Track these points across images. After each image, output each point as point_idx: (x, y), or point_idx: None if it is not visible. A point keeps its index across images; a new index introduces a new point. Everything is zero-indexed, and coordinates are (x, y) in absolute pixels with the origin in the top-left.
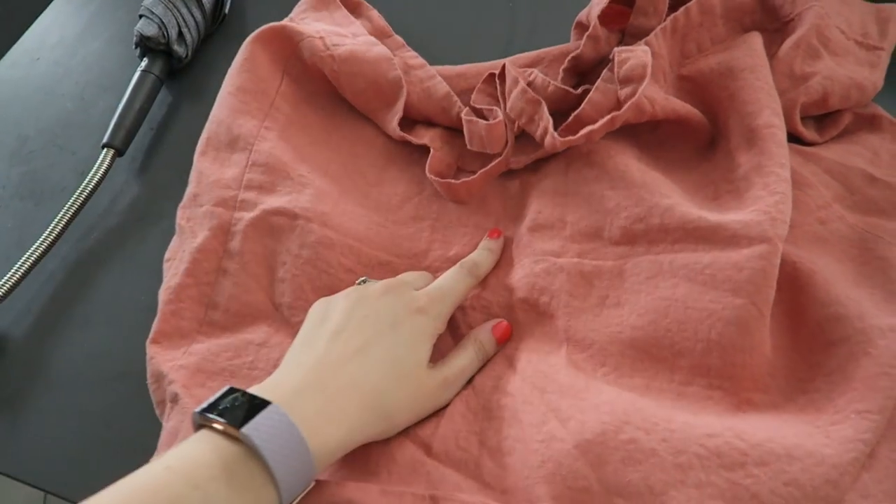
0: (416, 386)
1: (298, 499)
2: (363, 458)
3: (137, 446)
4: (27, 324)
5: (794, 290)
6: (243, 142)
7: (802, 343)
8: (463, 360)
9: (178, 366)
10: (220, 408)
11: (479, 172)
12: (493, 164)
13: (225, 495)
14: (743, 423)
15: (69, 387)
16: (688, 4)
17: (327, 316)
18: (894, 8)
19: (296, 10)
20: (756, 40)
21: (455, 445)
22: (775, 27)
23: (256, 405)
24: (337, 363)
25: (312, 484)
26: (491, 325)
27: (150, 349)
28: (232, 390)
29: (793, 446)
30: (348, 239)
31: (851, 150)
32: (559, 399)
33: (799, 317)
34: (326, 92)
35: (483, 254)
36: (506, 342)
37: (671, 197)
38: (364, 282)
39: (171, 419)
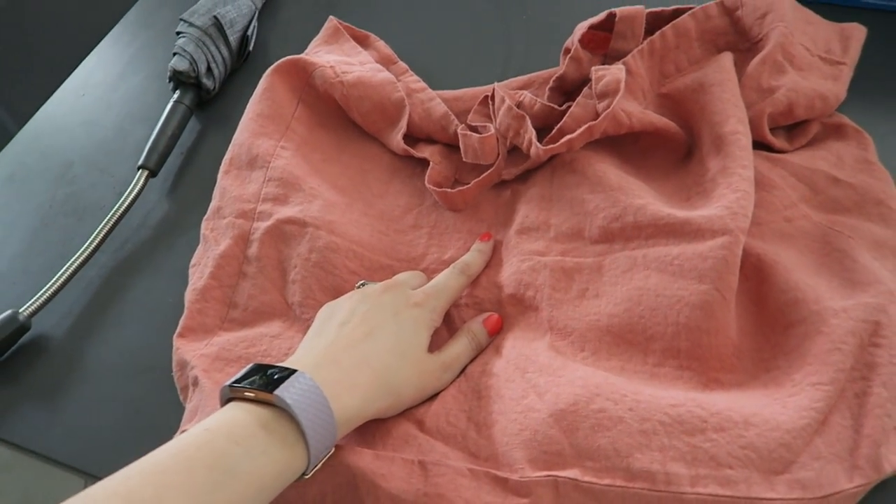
0: (418, 366)
1: (322, 462)
2: (361, 431)
3: (164, 431)
4: (68, 324)
5: (758, 279)
6: (261, 160)
7: (766, 326)
8: (458, 347)
9: (200, 354)
10: (249, 380)
11: (473, 182)
12: (485, 174)
13: (264, 449)
14: (705, 397)
15: (103, 379)
16: (663, 29)
17: (333, 313)
18: (855, 27)
19: (310, 45)
20: (726, 59)
21: (445, 422)
22: (746, 47)
23: (284, 375)
24: (347, 345)
25: (333, 449)
26: (482, 317)
27: (177, 342)
28: (257, 367)
29: (750, 414)
30: (353, 245)
31: (817, 154)
32: (538, 377)
33: (762, 303)
34: (337, 116)
35: (474, 255)
36: (497, 333)
37: (644, 198)
38: (363, 284)
39: (192, 400)
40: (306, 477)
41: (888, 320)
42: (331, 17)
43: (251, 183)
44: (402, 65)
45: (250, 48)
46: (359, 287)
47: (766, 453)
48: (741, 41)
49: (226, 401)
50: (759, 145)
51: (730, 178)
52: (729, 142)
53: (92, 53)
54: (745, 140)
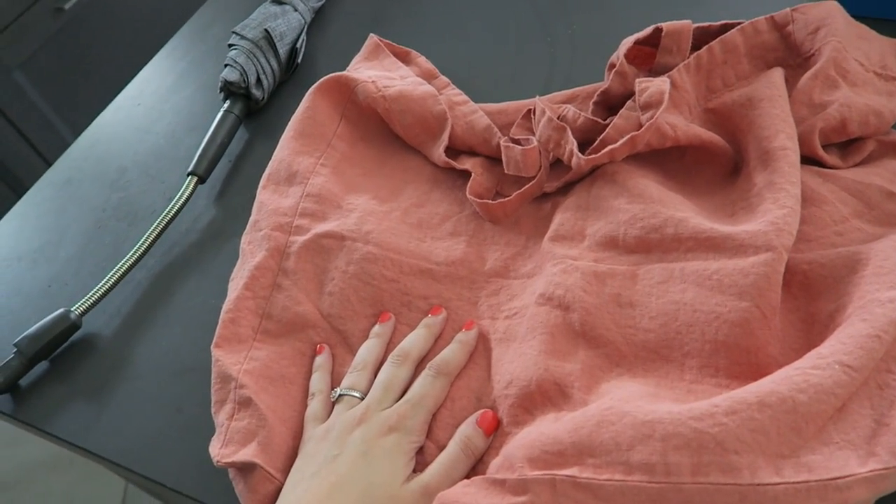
0: (394, 501)
1: None
2: None
3: (204, 429)
4: (116, 324)
5: (808, 296)
6: (300, 177)
7: (816, 340)
8: (446, 461)
9: (244, 370)
10: None
11: (514, 194)
12: (527, 186)
13: None
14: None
15: (148, 378)
16: (711, 43)
17: (309, 453)
18: None
19: (352, 62)
20: (777, 74)
21: (447, 436)
22: (797, 62)
23: None
24: (320, 490)
25: None
26: (475, 418)
27: (216, 353)
28: None
29: (767, 393)
30: (390, 253)
31: (871, 171)
32: (571, 407)
33: (812, 320)
34: (380, 130)
35: (453, 349)
36: (494, 431)
37: (685, 212)
38: (339, 397)
39: (244, 419)
40: None
41: None
42: (371, 34)
43: (288, 197)
44: (444, 79)
45: (298, 61)
46: (334, 400)
47: (776, 437)
48: (792, 57)
49: None
50: (811, 161)
51: (776, 194)
52: (777, 157)
53: (147, 65)
54: (794, 156)
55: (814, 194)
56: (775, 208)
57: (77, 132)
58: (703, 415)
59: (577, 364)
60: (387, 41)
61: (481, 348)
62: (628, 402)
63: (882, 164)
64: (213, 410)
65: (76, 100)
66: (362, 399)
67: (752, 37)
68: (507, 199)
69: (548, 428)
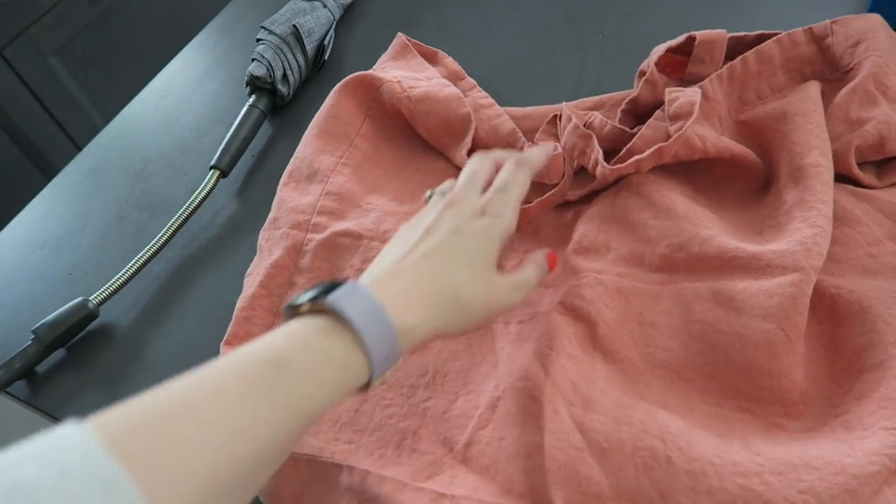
0: (486, 280)
1: (390, 373)
2: (394, 450)
3: None
4: (133, 315)
5: (832, 322)
6: (321, 175)
7: (839, 372)
8: (528, 272)
9: None
10: (305, 296)
11: (535, 201)
12: (549, 193)
13: (319, 348)
14: (763, 445)
15: (163, 369)
16: (745, 54)
17: (398, 237)
18: None
19: (378, 61)
20: (813, 88)
21: (478, 451)
22: (835, 77)
23: (338, 285)
24: (408, 264)
25: (399, 362)
26: (544, 251)
27: (224, 349)
28: (316, 285)
29: (813, 457)
30: None
31: None
32: (584, 413)
33: (837, 347)
34: (403, 130)
35: (532, 151)
36: (553, 267)
37: (711, 229)
38: (430, 196)
39: None
40: (372, 387)
41: None
42: (399, 33)
43: (308, 195)
44: (470, 81)
45: (325, 57)
46: (426, 199)
47: (828, 499)
48: (829, 70)
49: (287, 319)
50: (845, 179)
51: (807, 213)
52: (809, 174)
53: (176, 58)
54: (827, 174)
55: (847, 214)
56: (805, 227)
57: (108, 119)
58: (747, 472)
59: (594, 371)
60: (415, 41)
61: (490, 347)
62: (665, 440)
63: None
64: None
65: (109, 87)
66: None
67: (788, 49)
68: (528, 205)
69: (576, 459)
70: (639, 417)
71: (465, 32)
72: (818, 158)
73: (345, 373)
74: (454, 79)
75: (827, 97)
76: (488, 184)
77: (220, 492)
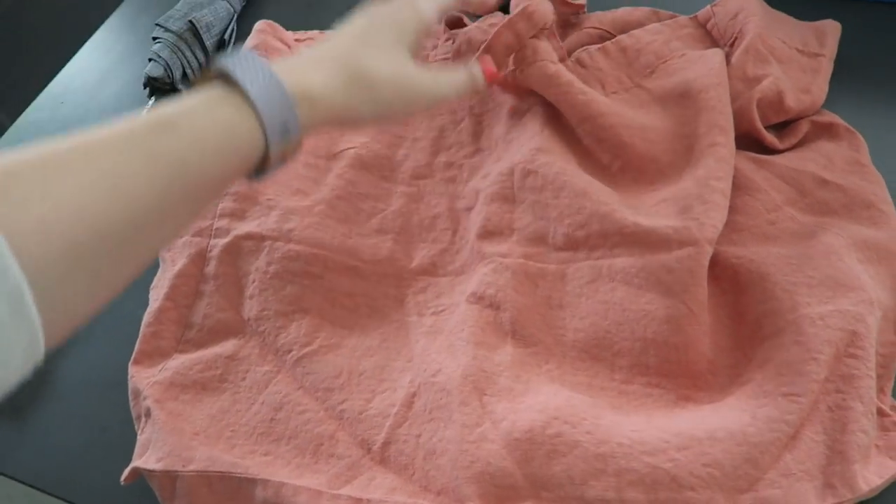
0: (397, 63)
1: (291, 151)
2: (312, 457)
3: (129, 448)
4: None
5: (735, 291)
6: None
7: (744, 340)
8: (457, 73)
9: (153, 382)
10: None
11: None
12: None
13: (205, 107)
14: (669, 421)
15: (71, 397)
16: (635, 31)
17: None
18: (829, 23)
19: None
20: (717, 57)
21: (396, 450)
22: (725, 52)
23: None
24: (311, 44)
25: (297, 134)
26: (479, 60)
27: (132, 369)
28: None
29: (716, 429)
30: (313, 249)
31: (806, 156)
32: (496, 402)
33: (740, 316)
34: None
35: None
36: (492, 83)
37: (609, 203)
38: None
39: (145, 432)
40: (272, 166)
41: (866, 330)
42: (261, 21)
43: None
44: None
45: (228, 52)
46: None
47: (731, 470)
48: (719, 43)
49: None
50: (748, 145)
51: (701, 189)
52: (706, 153)
53: (72, 60)
54: (724, 150)
55: (748, 182)
56: (698, 204)
57: (3, 129)
58: (654, 449)
59: (507, 357)
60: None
61: (405, 341)
62: (574, 423)
63: (816, 147)
64: (136, 429)
65: (2, 95)
66: None
67: (676, 29)
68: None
69: (489, 452)
70: (550, 403)
71: None
72: (717, 137)
73: (232, 138)
74: None
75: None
76: None
77: (93, 249)
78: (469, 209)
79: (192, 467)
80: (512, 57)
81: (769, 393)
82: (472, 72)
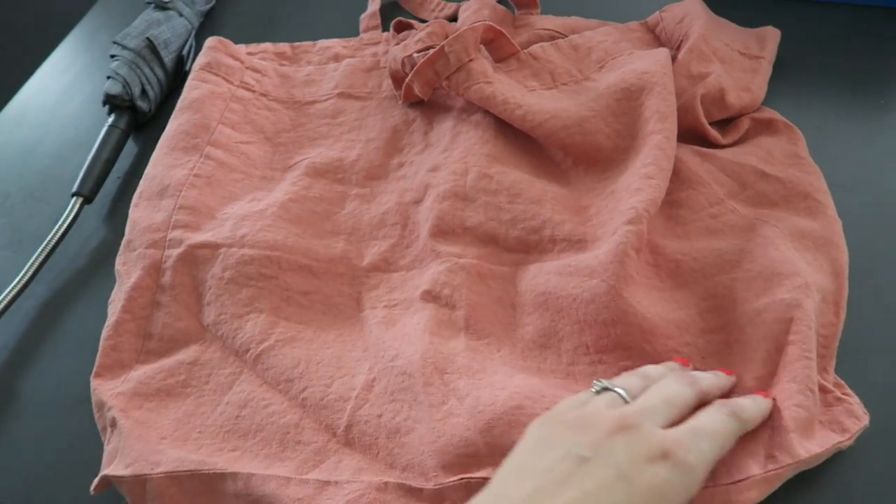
0: None
1: None
2: (277, 447)
3: (97, 465)
4: (2, 358)
5: (673, 284)
6: (172, 189)
7: (684, 329)
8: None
9: (117, 393)
10: None
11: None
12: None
13: None
14: None
15: (38, 413)
16: (587, 32)
17: (544, 441)
18: (770, 29)
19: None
20: (662, 53)
21: (360, 431)
22: (673, 54)
23: None
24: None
25: None
26: (752, 397)
27: (94, 382)
28: None
29: None
30: (267, 251)
31: (746, 150)
32: (457, 379)
33: (681, 309)
34: (264, 126)
35: (748, 401)
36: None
37: (563, 214)
38: (603, 389)
39: (111, 442)
40: None
41: (802, 314)
42: (213, 37)
43: (160, 211)
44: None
45: (187, 68)
46: (596, 391)
47: None
48: (665, 46)
49: None
50: (692, 140)
51: (640, 182)
52: (647, 143)
53: (29, 81)
54: (660, 137)
55: (692, 175)
56: (633, 198)
57: None
58: None
59: (461, 344)
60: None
61: (360, 334)
62: (535, 399)
63: (756, 142)
64: (104, 441)
65: None
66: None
67: (626, 32)
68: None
69: (454, 425)
70: (509, 382)
71: (332, 30)
72: (655, 125)
73: None
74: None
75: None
76: (681, 416)
77: None
78: (417, 202)
79: (160, 469)
80: (447, 82)
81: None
82: (738, 411)
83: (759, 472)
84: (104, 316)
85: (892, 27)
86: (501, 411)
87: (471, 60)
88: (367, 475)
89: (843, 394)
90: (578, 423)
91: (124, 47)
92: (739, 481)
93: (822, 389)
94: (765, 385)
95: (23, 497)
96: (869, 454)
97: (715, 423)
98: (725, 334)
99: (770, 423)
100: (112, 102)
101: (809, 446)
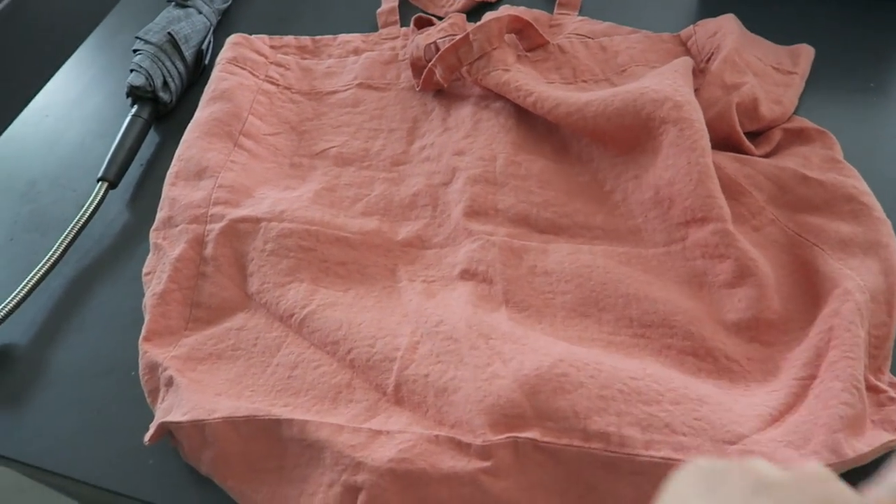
0: None
1: None
2: (330, 403)
3: (123, 429)
4: (32, 333)
5: (732, 282)
6: (210, 171)
7: (731, 330)
8: None
9: (172, 356)
10: None
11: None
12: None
13: None
14: (663, 373)
15: (67, 383)
16: (618, 36)
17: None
18: (804, 47)
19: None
20: (685, 61)
21: (408, 390)
22: (701, 67)
23: None
24: None
25: None
26: None
27: (143, 346)
28: None
29: (704, 395)
30: (305, 225)
31: (785, 158)
32: (502, 344)
33: (728, 307)
34: (289, 118)
35: None
36: None
37: (591, 204)
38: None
39: (166, 400)
40: None
41: (839, 321)
42: (235, 34)
43: (200, 190)
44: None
45: (206, 62)
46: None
47: (720, 426)
48: (696, 63)
49: None
50: (727, 149)
51: (671, 160)
52: (670, 119)
53: (54, 77)
54: (671, 103)
55: (732, 184)
56: (674, 171)
57: None
58: (650, 400)
59: (503, 316)
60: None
61: (398, 302)
62: (578, 367)
63: (792, 151)
64: (149, 402)
65: None
66: None
67: (657, 42)
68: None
69: (500, 386)
70: (552, 350)
71: (345, 27)
72: (670, 111)
73: None
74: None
75: (696, 81)
76: None
77: None
78: (445, 184)
79: (217, 415)
80: (468, 68)
81: (754, 391)
82: None
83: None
84: (128, 290)
85: (881, 13)
86: (547, 377)
87: (494, 49)
88: (417, 428)
89: None
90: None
91: (147, 42)
92: None
93: (875, 389)
94: (806, 386)
95: (54, 459)
96: None
97: None
98: (772, 349)
99: (814, 421)
100: (135, 94)
101: (857, 445)
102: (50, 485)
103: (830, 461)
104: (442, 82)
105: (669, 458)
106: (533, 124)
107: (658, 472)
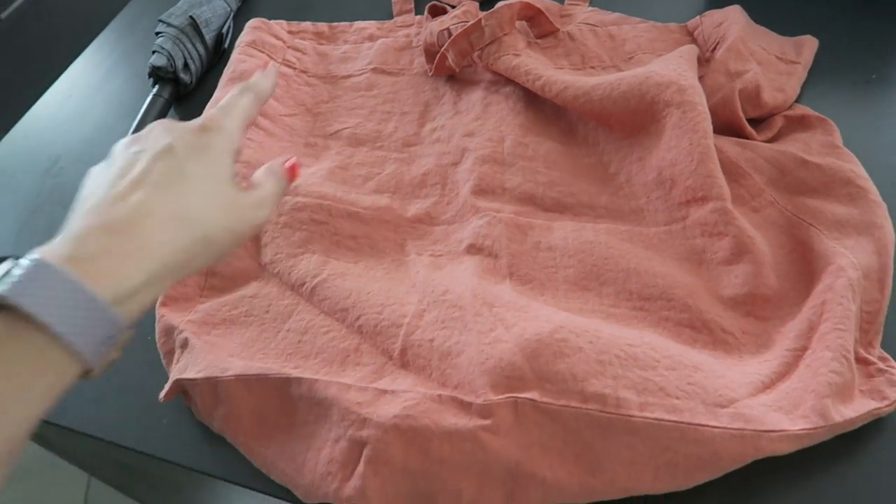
0: (224, 200)
1: (111, 352)
2: (338, 366)
3: (139, 390)
4: None
5: (730, 257)
6: None
7: (727, 302)
8: (270, 186)
9: (187, 321)
10: None
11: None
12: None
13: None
14: (660, 342)
15: None
16: (625, 25)
17: (98, 172)
18: (808, 38)
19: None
20: (686, 51)
21: (413, 354)
22: (706, 57)
23: (20, 262)
24: (117, 200)
25: (128, 332)
26: (280, 161)
27: (160, 310)
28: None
29: (698, 362)
30: (319, 199)
31: (785, 143)
32: (505, 311)
33: (728, 284)
34: (304, 99)
35: (257, 76)
36: (293, 179)
37: (597, 185)
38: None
39: (181, 361)
40: (101, 370)
41: (832, 295)
42: (254, 19)
43: None
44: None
45: (225, 46)
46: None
47: (712, 391)
48: (701, 51)
49: None
50: (729, 135)
51: (676, 142)
52: (673, 101)
53: (77, 60)
54: (673, 87)
55: (732, 166)
56: (678, 152)
57: (12, 124)
58: (646, 365)
59: (507, 287)
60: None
61: (406, 273)
62: (578, 333)
63: (793, 137)
64: (164, 364)
65: (10, 94)
66: None
67: (664, 32)
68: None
69: (502, 350)
70: (554, 317)
71: (361, 15)
72: (673, 95)
73: (44, 375)
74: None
75: (702, 69)
76: None
77: None
78: (455, 164)
79: (230, 373)
80: (479, 53)
81: (747, 361)
82: (278, 176)
83: (790, 428)
84: None
85: (884, 6)
86: (548, 341)
87: (505, 34)
88: (421, 389)
89: (888, 365)
90: (130, 139)
91: (169, 24)
92: (770, 431)
93: (865, 362)
94: (797, 357)
95: (71, 417)
96: None
97: (234, 98)
98: (766, 324)
99: (804, 387)
100: (157, 74)
101: (845, 411)
102: (66, 449)
103: (818, 425)
104: (454, 67)
105: (663, 420)
106: (541, 108)
107: (652, 432)
